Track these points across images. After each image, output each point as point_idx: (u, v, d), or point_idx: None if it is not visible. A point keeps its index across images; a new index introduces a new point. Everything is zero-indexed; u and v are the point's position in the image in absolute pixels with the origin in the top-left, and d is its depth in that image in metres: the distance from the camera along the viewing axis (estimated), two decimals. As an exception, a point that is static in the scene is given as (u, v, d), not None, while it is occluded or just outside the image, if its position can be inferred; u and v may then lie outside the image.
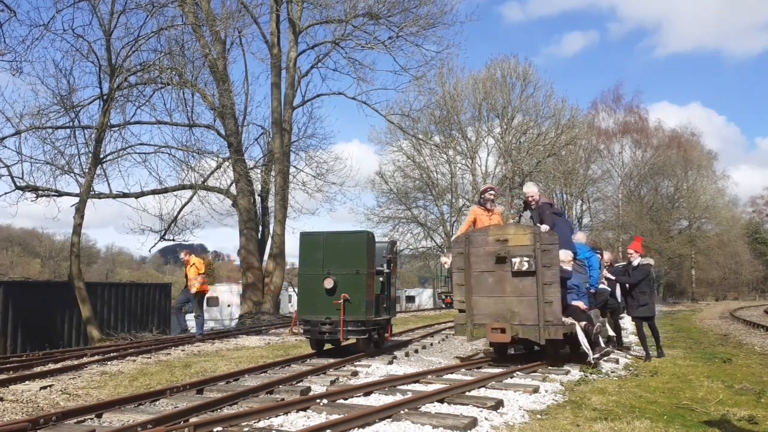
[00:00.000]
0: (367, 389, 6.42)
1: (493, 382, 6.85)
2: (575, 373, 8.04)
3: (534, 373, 7.84)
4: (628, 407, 5.86)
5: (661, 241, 49.01)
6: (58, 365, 9.25)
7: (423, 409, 5.49)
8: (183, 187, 21.76)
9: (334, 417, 5.11)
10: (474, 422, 4.97)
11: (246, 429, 4.84)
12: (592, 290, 9.77)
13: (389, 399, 5.97)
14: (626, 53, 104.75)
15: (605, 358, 9.24)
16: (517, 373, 7.74)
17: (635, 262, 10.06)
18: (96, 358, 10.23)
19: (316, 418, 5.22)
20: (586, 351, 8.32)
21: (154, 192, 21.14)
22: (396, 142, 40.78)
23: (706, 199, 53.56)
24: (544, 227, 8.61)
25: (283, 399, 6.04)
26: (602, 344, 9.23)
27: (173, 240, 22.95)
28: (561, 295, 8.30)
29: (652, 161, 51.81)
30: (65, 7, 17.89)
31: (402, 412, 5.23)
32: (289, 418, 5.28)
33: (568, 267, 8.71)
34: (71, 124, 19.05)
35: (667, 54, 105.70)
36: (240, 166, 21.28)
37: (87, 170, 18.67)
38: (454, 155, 41.43)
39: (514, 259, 8.32)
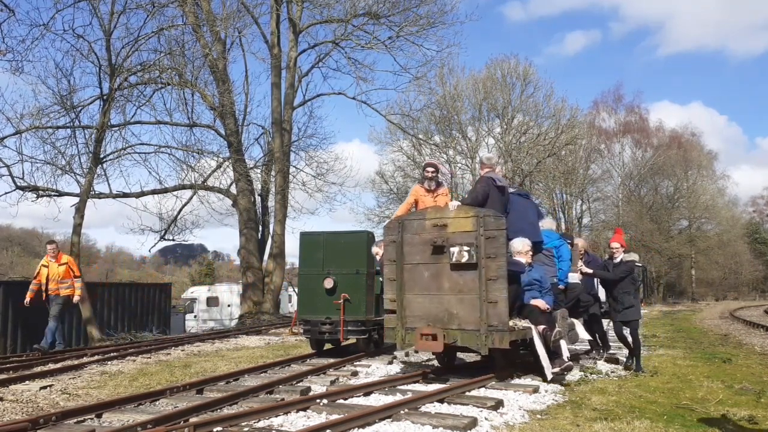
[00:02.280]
0: (367, 389, 6.42)
1: (494, 382, 6.84)
2: (575, 373, 8.03)
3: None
4: (628, 407, 5.86)
5: (661, 241, 49.04)
6: (58, 365, 9.25)
7: (423, 409, 5.49)
8: (183, 187, 21.78)
9: (334, 417, 5.11)
10: (474, 422, 4.97)
11: (246, 429, 4.84)
12: (561, 286, 8.40)
13: (389, 399, 5.97)
14: (628, 53, 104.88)
15: (573, 370, 7.57)
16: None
17: (618, 258, 8.84)
18: (96, 358, 10.23)
19: (316, 418, 5.22)
20: (542, 363, 6.97)
21: (154, 192, 21.15)
22: (396, 142, 40.73)
23: (706, 199, 53.59)
24: (453, 204, 7.22)
25: (283, 399, 6.04)
26: (566, 354, 7.42)
27: (173, 240, 23.01)
28: (515, 293, 7.05)
29: (652, 161, 51.84)
30: (65, 7, 17.93)
31: (402, 412, 5.23)
32: (289, 418, 5.28)
33: (523, 259, 7.32)
34: (71, 124, 19.08)
35: (669, 54, 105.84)
36: (240, 166, 21.29)
37: (87, 170, 18.68)
38: (454, 155, 41.39)
39: (452, 249, 6.84)
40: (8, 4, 16.21)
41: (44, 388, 7.28)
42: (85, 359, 10.02)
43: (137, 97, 20.10)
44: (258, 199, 23.21)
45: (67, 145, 19.00)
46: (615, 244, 8.95)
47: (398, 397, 6.08)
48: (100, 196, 20.28)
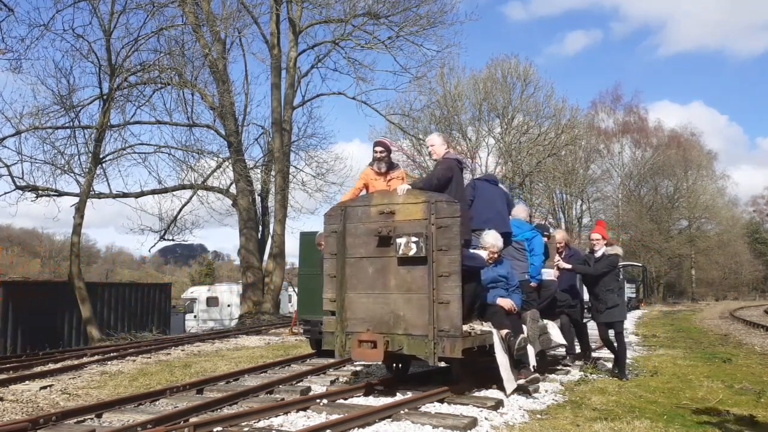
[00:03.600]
0: (367, 389, 6.42)
1: (450, 395, 6.64)
2: (575, 373, 8.03)
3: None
4: (628, 407, 5.85)
5: (661, 241, 49.04)
6: (58, 365, 9.25)
7: (423, 409, 5.48)
8: (183, 187, 21.80)
9: (334, 417, 5.11)
10: (474, 422, 4.97)
11: (246, 429, 4.84)
12: (533, 283, 7.47)
13: (389, 399, 5.97)
14: (629, 52, 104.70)
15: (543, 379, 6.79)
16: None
17: (599, 252, 7.91)
18: (96, 358, 10.24)
19: (316, 418, 5.22)
20: (501, 374, 6.10)
21: (153, 192, 21.16)
22: (396, 142, 40.77)
23: (706, 199, 53.59)
24: (402, 187, 6.22)
25: (283, 399, 6.04)
26: (533, 364, 6.53)
27: (173, 240, 23.01)
28: (473, 292, 6.18)
29: (651, 161, 51.86)
30: (65, 7, 17.94)
31: (402, 412, 5.23)
32: (289, 418, 5.28)
33: (484, 253, 6.41)
34: (71, 124, 19.12)
35: (670, 54, 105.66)
36: (240, 166, 21.29)
37: (87, 170, 18.70)
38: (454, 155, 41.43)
39: (398, 240, 5.92)
40: (8, 4, 16.22)
41: (44, 388, 7.29)
42: (85, 359, 10.02)
43: (137, 97, 20.15)
44: (258, 199, 23.22)
45: (66, 145, 19.05)
46: (596, 236, 8.06)
47: (398, 397, 6.07)
48: (99, 196, 20.29)
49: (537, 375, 6.47)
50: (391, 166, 7.15)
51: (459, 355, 5.67)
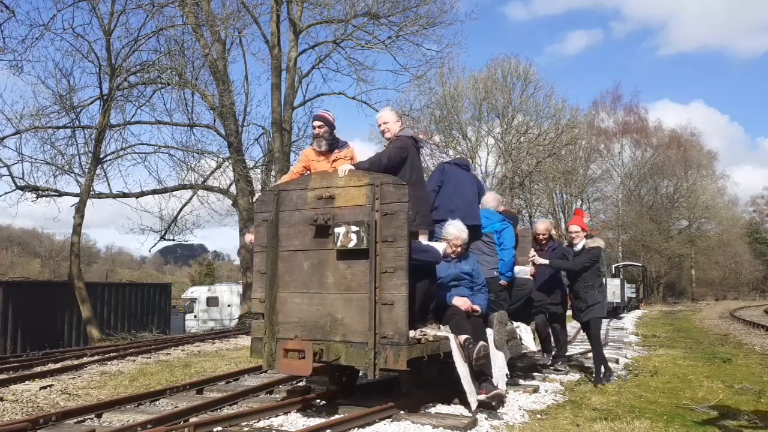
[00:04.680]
0: (367, 389, 6.41)
1: (401, 412, 6.53)
2: (575, 373, 8.03)
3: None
4: (628, 407, 5.86)
5: (661, 241, 49.06)
6: (58, 365, 9.25)
7: (423, 409, 5.48)
8: (183, 187, 21.79)
9: (334, 417, 5.11)
10: (474, 422, 4.97)
11: (246, 429, 4.84)
12: (503, 281, 6.56)
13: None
14: (630, 52, 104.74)
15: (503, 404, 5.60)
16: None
17: (579, 245, 7.27)
18: (96, 358, 10.24)
19: (316, 418, 5.22)
20: (464, 387, 5.25)
21: (154, 192, 21.16)
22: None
23: (705, 199, 53.60)
24: (344, 167, 5.23)
25: (283, 399, 6.04)
26: (494, 376, 5.60)
27: (173, 240, 23.00)
28: (425, 292, 5.29)
29: (651, 161, 51.87)
30: (65, 7, 17.94)
31: (402, 412, 5.22)
32: (289, 418, 5.27)
33: (441, 246, 5.63)
34: (71, 124, 19.12)
35: (672, 53, 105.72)
36: (240, 166, 21.29)
37: (87, 170, 18.72)
38: (454, 155, 41.44)
39: (337, 230, 5.01)
40: (8, 5, 16.22)
41: (44, 388, 7.28)
42: (85, 359, 10.02)
43: (137, 97, 20.17)
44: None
45: (66, 145, 19.07)
46: (574, 228, 7.32)
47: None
48: (100, 196, 20.30)
49: (499, 391, 5.45)
50: (335, 144, 6.08)
51: (403, 367, 4.74)
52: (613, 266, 36.81)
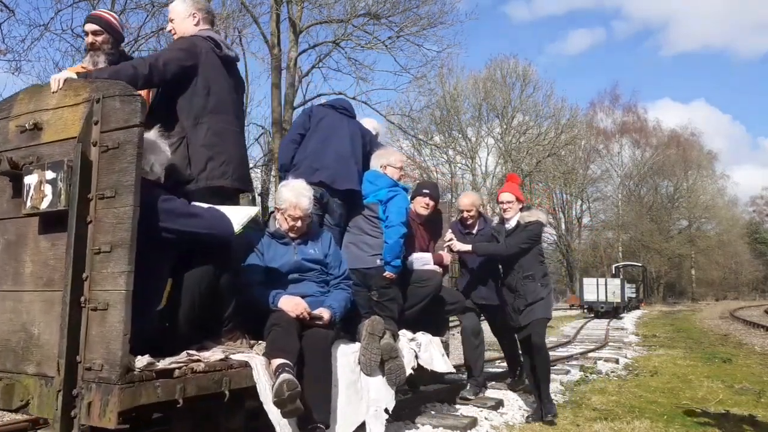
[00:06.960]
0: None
1: (493, 382, 6.82)
2: (575, 373, 8.03)
3: None
4: (628, 407, 5.86)
5: (661, 241, 49.09)
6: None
7: (422, 408, 5.47)
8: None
9: (334, 417, 5.06)
10: (474, 422, 4.96)
11: (246, 429, 4.78)
12: (388, 273, 4.39)
13: None
14: (632, 51, 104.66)
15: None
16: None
17: (512, 220, 5.18)
18: None
19: (316, 418, 5.19)
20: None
21: (154, 192, 21.17)
22: (396, 142, 40.81)
23: (705, 199, 53.66)
24: (59, 76, 3.01)
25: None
26: (387, 407, 3.90)
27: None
28: (206, 287, 3.09)
29: (651, 161, 51.90)
30: (65, 7, 17.89)
31: (402, 412, 5.22)
32: (289, 418, 5.25)
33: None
34: (71, 124, 19.10)
35: (673, 53, 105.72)
36: (240, 166, 21.30)
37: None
38: (454, 155, 41.48)
39: (27, 180, 2.83)
40: (8, 5, 16.22)
41: (44, 388, 7.26)
42: None
43: (137, 97, 20.14)
44: (258, 199, 23.22)
45: (66, 145, 19.05)
46: (506, 197, 5.18)
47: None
48: (99, 196, 20.30)
49: None
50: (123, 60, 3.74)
51: (112, 424, 2.49)
52: (614, 266, 36.89)
